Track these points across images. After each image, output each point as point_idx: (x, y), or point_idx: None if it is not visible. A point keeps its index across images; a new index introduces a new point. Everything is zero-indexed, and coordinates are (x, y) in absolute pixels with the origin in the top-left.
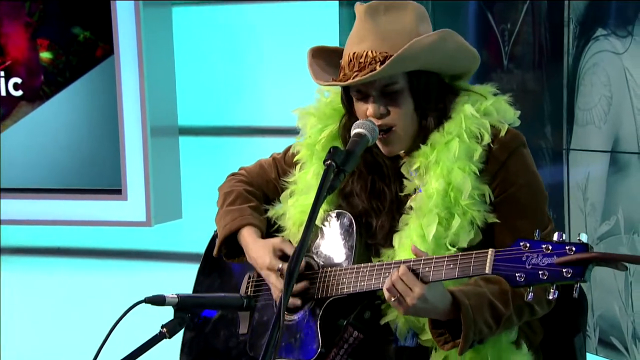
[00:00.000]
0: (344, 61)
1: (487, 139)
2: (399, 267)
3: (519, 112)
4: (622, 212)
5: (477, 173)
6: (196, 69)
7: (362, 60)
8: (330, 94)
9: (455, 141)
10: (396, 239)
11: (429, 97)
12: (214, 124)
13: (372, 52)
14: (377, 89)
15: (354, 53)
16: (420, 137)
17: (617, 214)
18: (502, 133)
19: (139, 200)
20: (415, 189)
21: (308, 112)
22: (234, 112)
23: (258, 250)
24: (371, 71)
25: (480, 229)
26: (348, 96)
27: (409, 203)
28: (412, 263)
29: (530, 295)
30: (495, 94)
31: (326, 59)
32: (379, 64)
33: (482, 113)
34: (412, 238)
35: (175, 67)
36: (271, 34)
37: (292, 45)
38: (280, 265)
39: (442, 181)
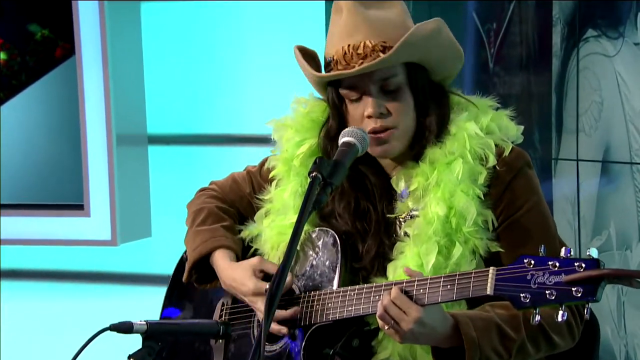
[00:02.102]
0: (338, 55)
1: (492, 160)
2: (391, 290)
3: (522, 128)
4: (614, 227)
5: (482, 197)
6: (167, 71)
7: (360, 51)
8: (307, 105)
9: (458, 162)
10: (390, 269)
11: (428, 95)
12: (187, 132)
13: (369, 42)
14: (376, 84)
15: (349, 45)
16: (419, 143)
17: (609, 229)
18: (507, 152)
19: (103, 216)
20: (407, 212)
21: (284, 123)
22: (210, 119)
23: (236, 275)
24: (375, 58)
25: (482, 259)
26: (339, 97)
27: (404, 228)
28: (404, 284)
29: (538, 318)
30: (496, 109)
31: (308, 59)
32: (380, 52)
33: (485, 131)
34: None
35: (144, 68)
36: (251, 33)
37: (274, 45)
38: (267, 287)
39: (444, 205)
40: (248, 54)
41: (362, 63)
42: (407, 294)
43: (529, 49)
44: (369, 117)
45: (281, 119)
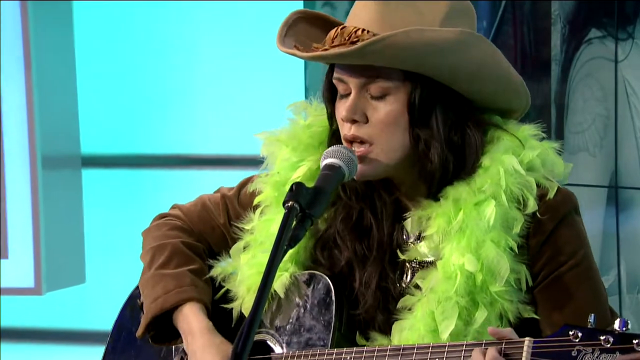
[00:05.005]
0: (329, 35)
1: (532, 205)
2: (486, 350)
3: (570, 166)
4: (623, 265)
5: (516, 250)
6: (105, 80)
7: (346, 35)
8: (307, 115)
9: (490, 203)
10: (396, 331)
11: (431, 115)
12: (129, 152)
13: (363, 30)
14: (361, 81)
15: (343, 27)
16: (425, 173)
17: (618, 268)
18: (551, 194)
19: (24, 258)
20: (417, 258)
21: (278, 138)
22: (157, 137)
23: (206, 351)
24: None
25: (511, 326)
26: (332, 91)
27: (415, 280)
28: (416, 349)
29: None
30: (541, 139)
31: (313, 29)
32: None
33: (526, 167)
34: (420, 331)
35: (77, 77)
36: (209, 38)
37: (239, 50)
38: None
39: (471, 257)
40: (205, 60)
41: (326, 50)
42: (506, 356)
43: (524, 52)
44: (342, 120)
45: (274, 132)
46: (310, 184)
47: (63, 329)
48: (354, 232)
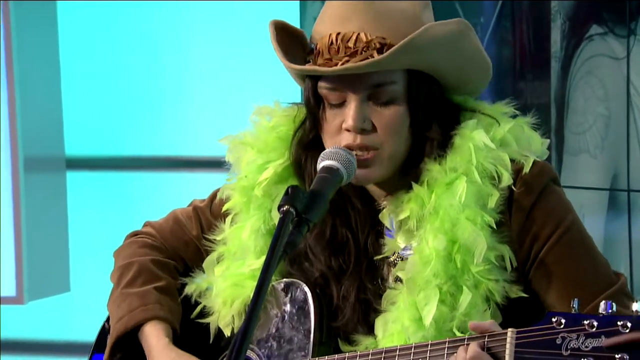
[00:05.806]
0: (322, 44)
1: (506, 179)
2: (468, 345)
3: (547, 141)
4: (626, 271)
5: (494, 226)
6: (91, 81)
7: (350, 44)
8: (272, 118)
9: (461, 181)
10: (379, 325)
11: (431, 112)
12: (116, 154)
13: (364, 34)
14: (365, 91)
15: (338, 34)
16: (412, 173)
17: (631, 271)
18: (527, 169)
19: (5, 266)
20: (396, 252)
21: (243, 141)
22: (145, 138)
23: None
24: (366, 58)
25: (499, 308)
26: (317, 98)
27: (394, 273)
28: (398, 351)
29: None
30: (513, 116)
31: (289, 42)
32: (375, 51)
33: (499, 143)
34: (404, 323)
35: (62, 77)
36: (198, 36)
37: (231, 51)
38: None
39: (444, 238)
40: (194, 60)
41: (347, 61)
42: (488, 350)
43: (523, 49)
44: (347, 130)
45: (238, 136)
46: (278, 187)
47: (46, 340)
48: (329, 249)
